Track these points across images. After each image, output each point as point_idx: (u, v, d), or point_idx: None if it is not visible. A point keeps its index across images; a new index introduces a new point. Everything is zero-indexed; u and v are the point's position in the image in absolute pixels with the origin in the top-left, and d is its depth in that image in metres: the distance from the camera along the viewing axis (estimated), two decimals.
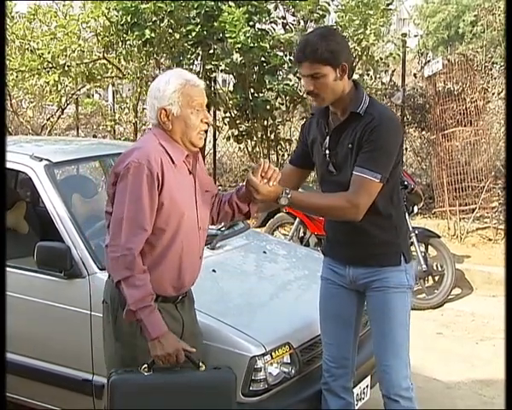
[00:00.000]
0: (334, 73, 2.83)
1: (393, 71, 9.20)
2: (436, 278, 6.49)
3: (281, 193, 2.76)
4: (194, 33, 7.34)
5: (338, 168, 2.92)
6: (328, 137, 2.97)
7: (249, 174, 2.73)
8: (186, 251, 2.76)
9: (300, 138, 3.21)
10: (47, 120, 12.04)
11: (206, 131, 2.84)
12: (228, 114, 8.23)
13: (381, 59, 8.13)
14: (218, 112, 9.53)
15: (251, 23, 7.23)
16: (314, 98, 2.93)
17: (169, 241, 2.70)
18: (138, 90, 9.70)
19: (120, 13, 7.70)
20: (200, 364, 2.71)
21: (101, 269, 3.29)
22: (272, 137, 8.14)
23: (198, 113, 2.73)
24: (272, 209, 6.87)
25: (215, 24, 7.15)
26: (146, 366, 2.64)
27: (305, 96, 7.48)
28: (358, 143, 2.83)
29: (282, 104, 7.93)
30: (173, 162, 2.71)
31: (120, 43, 8.32)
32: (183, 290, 2.84)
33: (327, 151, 2.97)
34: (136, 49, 8.12)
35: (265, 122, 8.01)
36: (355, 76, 7.92)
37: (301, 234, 6.99)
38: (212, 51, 7.54)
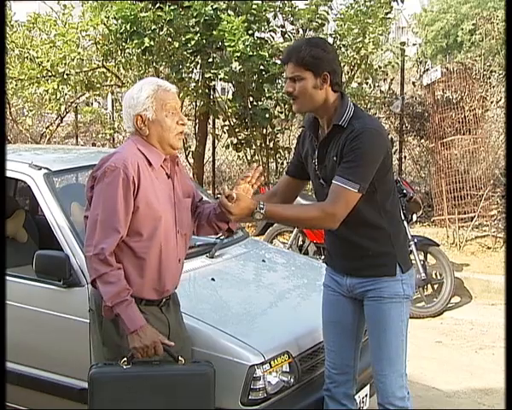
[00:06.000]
0: (314, 80, 2.85)
1: (392, 79, 9.23)
2: (435, 286, 6.49)
3: (255, 208, 2.76)
4: (193, 42, 7.35)
5: (327, 181, 2.91)
6: (316, 151, 2.99)
7: (221, 198, 2.75)
8: (164, 255, 2.81)
9: (296, 150, 3.22)
10: (46, 129, 12.04)
11: (182, 133, 2.89)
12: (227, 123, 8.24)
13: (380, 67, 8.14)
14: (217, 120, 9.55)
15: (250, 32, 7.23)
16: (293, 101, 2.95)
17: (147, 244, 2.76)
18: None
19: (119, 21, 7.71)
20: (180, 358, 2.76)
21: None
22: (271, 145, 8.14)
23: (173, 116, 2.82)
24: (266, 221, 6.89)
25: (214, 33, 7.16)
26: (125, 359, 2.69)
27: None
28: (341, 154, 2.84)
29: (281, 113, 7.94)
30: (151, 166, 2.79)
31: (119, 52, 8.32)
32: (166, 294, 2.89)
33: (316, 165, 2.99)
34: (135, 57, 8.13)
35: (264, 130, 8.01)
36: (354, 84, 7.98)
37: (300, 242, 6.99)
38: (211, 60, 7.54)
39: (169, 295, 2.92)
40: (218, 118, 8.98)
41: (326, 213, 2.81)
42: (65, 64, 8.80)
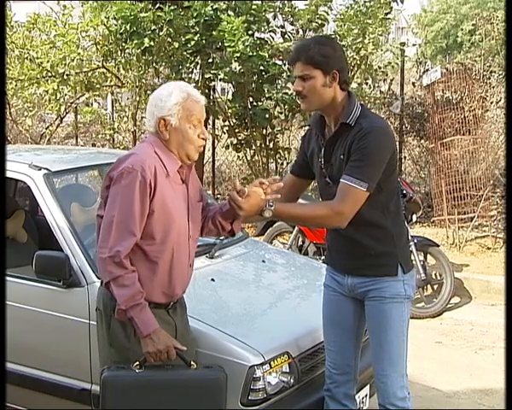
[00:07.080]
0: (323, 78, 2.86)
1: (392, 80, 9.23)
2: (435, 286, 6.49)
3: (264, 206, 2.75)
4: (193, 42, 7.34)
5: (334, 180, 2.92)
6: (323, 149, 2.99)
7: (232, 192, 2.74)
8: (176, 259, 2.80)
9: (301, 149, 3.22)
10: (46, 129, 12.03)
11: (201, 147, 2.85)
12: (227, 123, 8.23)
13: (380, 68, 8.14)
14: (216, 120, 9.55)
15: (250, 32, 7.22)
16: (301, 100, 2.96)
17: (160, 247, 2.74)
18: (137, 98, 9.69)
19: (119, 22, 7.70)
20: (192, 362, 2.75)
21: (99, 278, 3.28)
22: (271, 145, 8.13)
23: (196, 128, 2.78)
24: (266, 221, 6.89)
25: (214, 33, 7.16)
26: (138, 363, 2.68)
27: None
28: (348, 152, 2.84)
29: (281, 113, 7.93)
30: (167, 171, 2.76)
31: (119, 52, 8.31)
32: (175, 298, 2.88)
33: (322, 163, 2.99)
34: (135, 57, 8.12)
35: (264, 131, 8.00)
36: (353, 85, 7.97)
37: (300, 243, 6.99)
38: (211, 60, 7.54)
39: (177, 299, 2.91)
40: (218, 118, 8.97)
41: (334, 211, 2.81)
42: (65, 64, 8.80)
